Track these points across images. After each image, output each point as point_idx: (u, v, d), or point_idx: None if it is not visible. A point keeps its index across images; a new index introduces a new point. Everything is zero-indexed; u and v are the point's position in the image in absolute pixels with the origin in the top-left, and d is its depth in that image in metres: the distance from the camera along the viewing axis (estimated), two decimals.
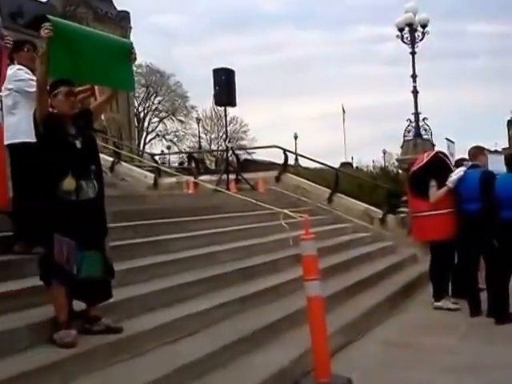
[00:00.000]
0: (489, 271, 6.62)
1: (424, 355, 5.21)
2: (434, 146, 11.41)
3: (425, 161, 7.07)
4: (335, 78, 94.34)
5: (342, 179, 12.01)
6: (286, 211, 4.23)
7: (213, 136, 76.54)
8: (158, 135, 74.53)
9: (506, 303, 6.34)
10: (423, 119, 11.61)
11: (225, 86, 11.53)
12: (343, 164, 47.23)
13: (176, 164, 38.30)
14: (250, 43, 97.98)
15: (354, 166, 41.61)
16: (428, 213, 6.86)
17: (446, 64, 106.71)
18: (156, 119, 75.67)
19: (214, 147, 73.26)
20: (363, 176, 15.01)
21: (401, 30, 12.26)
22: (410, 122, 11.55)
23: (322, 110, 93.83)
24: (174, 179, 13.06)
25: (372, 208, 10.97)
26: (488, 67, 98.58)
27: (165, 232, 6.77)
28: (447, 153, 9.02)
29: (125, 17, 76.63)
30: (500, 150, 75.88)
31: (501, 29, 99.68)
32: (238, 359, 4.34)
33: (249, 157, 31.03)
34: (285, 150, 12.11)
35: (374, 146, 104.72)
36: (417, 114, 11.70)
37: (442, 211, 6.77)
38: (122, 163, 13.74)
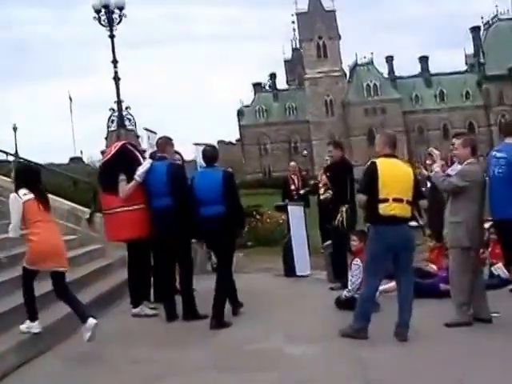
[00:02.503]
0: (181, 274, 6.39)
1: (106, 368, 4.82)
2: (138, 137, 10.90)
3: (112, 153, 6.51)
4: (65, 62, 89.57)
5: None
6: None
7: None
8: None
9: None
10: (126, 108, 11.01)
11: None
12: (73, 159, 45.01)
13: None
14: None
15: (86, 161, 39.95)
16: (119, 209, 6.33)
17: None
18: None
19: None
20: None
21: (97, 11, 11.47)
22: (113, 111, 10.86)
23: (50, 97, 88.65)
24: None
25: (79, 207, 10.05)
26: None
27: None
28: (147, 144, 8.61)
29: None
30: (234, 141, 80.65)
31: None
32: None
33: None
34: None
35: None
36: (119, 103, 11.05)
37: (133, 207, 6.31)
38: None
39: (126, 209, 6.31)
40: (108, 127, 10.68)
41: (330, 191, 7.80)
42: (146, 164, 6.40)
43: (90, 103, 73.73)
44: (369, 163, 5.24)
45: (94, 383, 4.60)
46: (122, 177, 6.33)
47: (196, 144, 10.66)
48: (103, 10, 11.39)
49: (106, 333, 5.57)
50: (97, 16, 11.45)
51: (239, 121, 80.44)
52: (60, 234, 5.65)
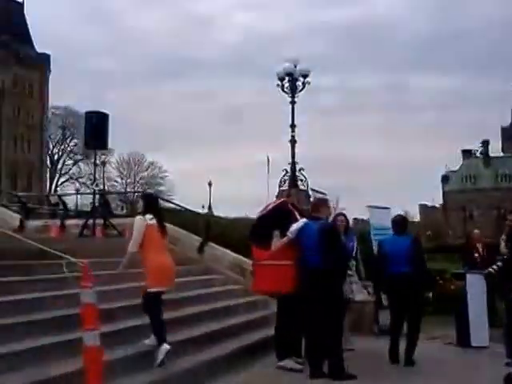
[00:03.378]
0: (330, 332, 6.40)
1: None
2: (309, 197, 11.38)
3: (269, 208, 6.87)
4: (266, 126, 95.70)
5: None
6: (68, 257, 3.85)
7: (128, 180, 75.62)
8: (71, 178, 72.88)
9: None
10: (299, 170, 11.56)
11: (96, 129, 11.17)
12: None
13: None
14: (185, 90, 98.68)
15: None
16: (268, 263, 6.57)
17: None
18: (70, 161, 74.16)
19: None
20: None
21: (281, 79, 12.29)
22: (286, 172, 11.47)
23: (253, 158, 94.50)
24: (41, 222, 12.37)
25: (243, 258, 10.66)
26: None
27: None
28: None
29: (44, 59, 75.52)
30: (437, 205, 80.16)
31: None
32: None
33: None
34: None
35: None
36: (293, 164, 11.63)
37: (282, 262, 6.50)
38: None
39: (275, 263, 6.52)
40: (279, 186, 11.27)
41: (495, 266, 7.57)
42: (299, 222, 6.62)
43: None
44: None
45: None
46: (276, 232, 6.58)
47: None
48: (287, 78, 12.22)
49: (244, 382, 5.89)
50: (280, 83, 12.28)
51: (443, 185, 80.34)
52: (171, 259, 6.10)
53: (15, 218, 12.49)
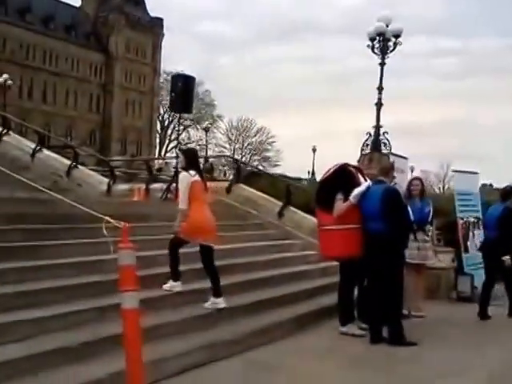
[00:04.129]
0: (388, 297, 6.34)
1: (281, 379, 5.02)
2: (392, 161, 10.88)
3: (331, 171, 6.74)
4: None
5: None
6: (107, 218, 4.02)
7: (237, 146, 77.01)
8: (179, 143, 75.27)
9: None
10: (383, 133, 11.23)
11: (182, 92, 11.34)
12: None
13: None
14: (298, 54, 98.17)
15: None
16: (332, 227, 6.50)
17: None
18: (180, 127, 76.54)
19: (237, 157, 73.62)
20: None
21: (372, 39, 11.82)
22: (370, 135, 11.16)
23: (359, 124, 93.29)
24: (127, 186, 12.92)
25: None
26: None
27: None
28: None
29: (157, 23, 77.37)
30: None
31: None
32: (54, 368, 4.22)
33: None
34: (236, 161, 11.90)
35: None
36: (378, 128, 11.32)
37: (346, 226, 6.41)
38: (80, 167, 13.47)
39: (339, 227, 6.43)
40: (362, 150, 10.99)
41: None
42: (362, 186, 6.47)
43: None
44: None
45: None
46: (340, 196, 6.47)
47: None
48: (377, 38, 11.74)
49: (305, 347, 6.01)
50: (371, 44, 11.86)
51: None
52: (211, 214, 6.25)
53: (104, 183, 13.12)
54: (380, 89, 11.59)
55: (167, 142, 76.85)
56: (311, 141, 79.17)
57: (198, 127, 75.88)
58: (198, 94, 76.03)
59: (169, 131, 77.56)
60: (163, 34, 77.03)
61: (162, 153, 72.00)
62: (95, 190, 12.78)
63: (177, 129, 76.14)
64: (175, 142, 76.29)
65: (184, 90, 11.39)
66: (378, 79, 11.70)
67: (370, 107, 11.89)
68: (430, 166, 68.85)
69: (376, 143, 10.97)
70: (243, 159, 72.16)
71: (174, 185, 11.54)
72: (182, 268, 6.25)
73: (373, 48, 11.96)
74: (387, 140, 11.08)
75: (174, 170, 12.14)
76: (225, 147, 74.74)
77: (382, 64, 11.83)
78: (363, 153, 10.92)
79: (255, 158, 76.14)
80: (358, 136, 12.14)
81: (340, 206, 6.45)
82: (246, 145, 76.22)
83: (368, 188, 6.46)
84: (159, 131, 77.99)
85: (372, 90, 11.72)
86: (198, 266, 6.26)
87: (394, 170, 6.94)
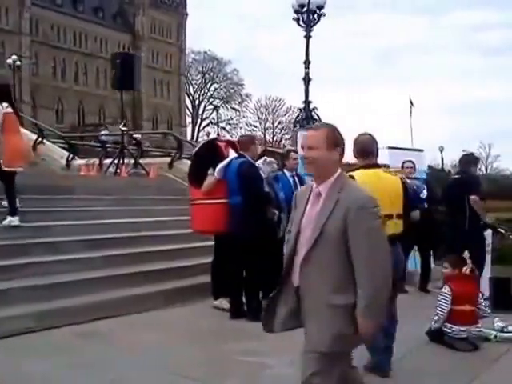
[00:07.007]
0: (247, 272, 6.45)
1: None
2: None
3: (198, 147, 6.86)
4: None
5: None
6: None
7: (267, 125, 76.79)
8: (211, 122, 75.56)
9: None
10: (313, 109, 11.05)
11: (122, 70, 11.55)
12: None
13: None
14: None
15: None
16: (201, 201, 6.58)
17: None
18: (210, 106, 76.76)
19: (268, 137, 73.50)
20: None
21: (296, 12, 11.70)
22: (301, 111, 11.05)
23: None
24: (83, 161, 13.36)
25: None
26: None
27: None
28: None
29: (181, 3, 77.46)
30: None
31: None
32: None
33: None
34: (177, 138, 12.09)
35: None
36: (307, 103, 11.05)
37: (212, 201, 6.48)
38: (46, 143, 14.11)
39: (205, 202, 6.51)
40: (294, 127, 10.95)
41: None
42: (224, 161, 6.53)
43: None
44: None
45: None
46: (211, 171, 6.53)
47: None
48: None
49: (163, 319, 6.19)
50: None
51: None
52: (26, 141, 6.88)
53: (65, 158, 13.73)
54: (306, 62, 11.47)
55: (199, 121, 77.43)
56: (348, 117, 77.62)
57: (228, 107, 76.01)
58: (227, 73, 76.28)
59: (200, 110, 78.09)
60: (187, 14, 77.32)
61: (195, 132, 72.78)
62: (55, 163, 13.52)
63: (207, 108, 76.56)
64: (207, 121, 76.91)
65: (123, 67, 11.60)
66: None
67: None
68: (470, 147, 66.80)
69: (308, 119, 10.84)
70: (274, 138, 72.32)
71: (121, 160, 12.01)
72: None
73: (298, 20, 11.88)
74: (317, 115, 10.93)
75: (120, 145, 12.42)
76: (255, 126, 74.67)
77: (308, 37, 11.67)
78: (295, 129, 10.88)
79: (286, 136, 75.88)
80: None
81: (208, 180, 6.53)
82: (276, 124, 75.85)
83: (230, 163, 6.50)
84: (191, 110, 78.60)
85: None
86: None
87: (255, 144, 6.93)
